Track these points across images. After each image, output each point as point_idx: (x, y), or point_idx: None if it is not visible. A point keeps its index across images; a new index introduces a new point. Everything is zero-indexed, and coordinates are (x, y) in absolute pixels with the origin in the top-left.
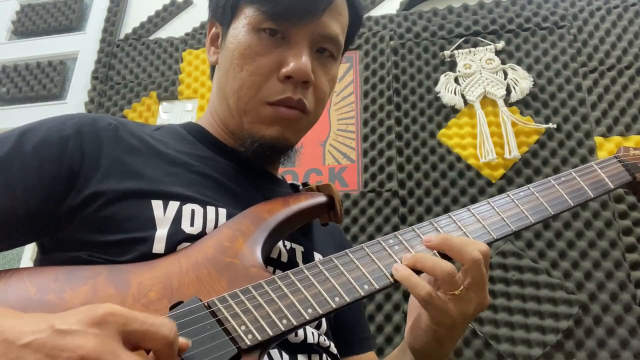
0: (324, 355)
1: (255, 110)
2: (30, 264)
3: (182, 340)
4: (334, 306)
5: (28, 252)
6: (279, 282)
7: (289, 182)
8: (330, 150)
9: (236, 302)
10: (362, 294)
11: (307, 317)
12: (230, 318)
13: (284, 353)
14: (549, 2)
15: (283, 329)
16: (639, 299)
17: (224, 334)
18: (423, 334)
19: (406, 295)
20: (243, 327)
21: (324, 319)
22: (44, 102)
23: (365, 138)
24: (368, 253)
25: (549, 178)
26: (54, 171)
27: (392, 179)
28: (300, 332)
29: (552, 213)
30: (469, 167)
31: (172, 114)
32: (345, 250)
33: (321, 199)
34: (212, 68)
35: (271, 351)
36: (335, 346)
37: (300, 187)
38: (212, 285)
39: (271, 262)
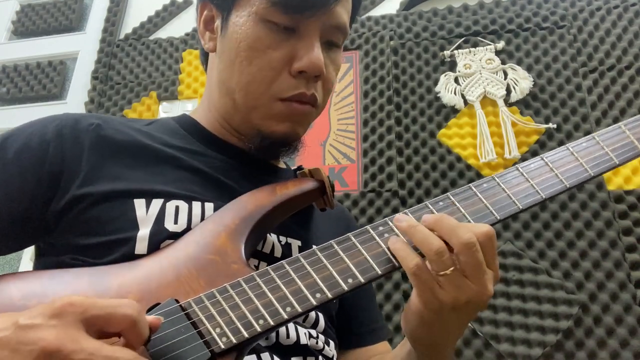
0: (320, 357)
1: (266, 106)
2: (30, 264)
3: (151, 318)
4: (315, 303)
5: (28, 253)
6: (258, 280)
7: (293, 167)
8: (330, 150)
9: (212, 302)
10: (346, 288)
11: (285, 316)
12: (204, 320)
13: (275, 356)
14: (549, 2)
15: (259, 329)
16: (639, 299)
17: (197, 337)
18: (412, 317)
19: (406, 296)
20: (218, 329)
21: (321, 316)
22: (44, 102)
23: (365, 138)
24: (355, 243)
25: (566, 146)
26: (35, 177)
27: (392, 179)
28: (292, 333)
29: (568, 186)
30: (469, 167)
31: (172, 114)
32: (330, 242)
33: (310, 184)
34: (204, 54)
35: (262, 354)
36: (343, 339)
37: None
38: (190, 285)
39: (264, 257)
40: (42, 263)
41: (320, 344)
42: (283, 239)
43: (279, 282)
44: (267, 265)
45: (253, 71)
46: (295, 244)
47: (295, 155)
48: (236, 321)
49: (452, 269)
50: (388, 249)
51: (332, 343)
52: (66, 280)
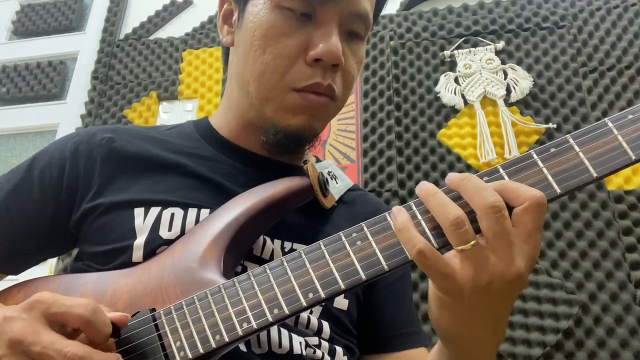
0: None
1: (279, 97)
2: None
3: (116, 315)
4: (271, 320)
5: None
6: (223, 292)
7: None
8: (330, 150)
9: (178, 314)
10: (305, 304)
11: (240, 333)
12: (169, 332)
13: None
14: (549, 2)
15: (214, 345)
16: (639, 299)
17: (160, 350)
18: (432, 304)
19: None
20: (178, 343)
21: (324, 323)
22: (44, 102)
23: (365, 138)
24: (324, 254)
25: (566, 136)
26: (54, 194)
27: (392, 179)
28: (285, 342)
29: (597, 175)
30: (469, 167)
31: (172, 114)
32: (299, 250)
33: (299, 183)
34: (226, 51)
35: None
36: (368, 342)
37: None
38: (168, 293)
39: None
40: (72, 266)
41: (320, 353)
42: (288, 244)
43: (241, 295)
44: None
45: (267, 60)
46: (301, 249)
47: (310, 150)
48: (195, 335)
49: (472, 242)
50: (357, 259)
51: (340, 350)
52: (77, 284)
